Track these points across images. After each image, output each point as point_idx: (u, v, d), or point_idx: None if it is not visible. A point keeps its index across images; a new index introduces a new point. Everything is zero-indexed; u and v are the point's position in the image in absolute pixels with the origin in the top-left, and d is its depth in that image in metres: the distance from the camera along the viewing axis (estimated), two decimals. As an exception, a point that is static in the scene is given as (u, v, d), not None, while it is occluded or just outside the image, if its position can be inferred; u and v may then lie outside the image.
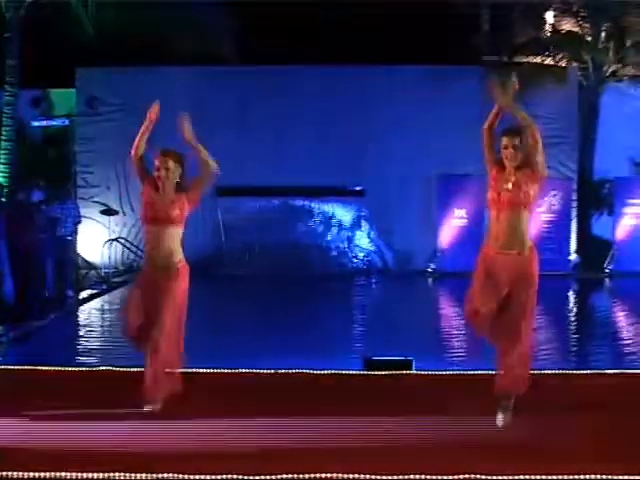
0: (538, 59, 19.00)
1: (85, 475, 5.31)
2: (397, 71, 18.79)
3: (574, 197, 19.30)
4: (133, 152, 6.63)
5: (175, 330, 6.48)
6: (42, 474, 5.33)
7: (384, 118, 18.66)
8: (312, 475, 5.28)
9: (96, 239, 18.80)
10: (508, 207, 6.16)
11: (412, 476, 5.28)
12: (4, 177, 17.92)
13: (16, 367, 8.56)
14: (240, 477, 5.28)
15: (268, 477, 5.27)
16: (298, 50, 18.32)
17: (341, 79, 18.69)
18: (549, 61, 19.02)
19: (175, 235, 6.51)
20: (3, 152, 18.21)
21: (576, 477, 5.27)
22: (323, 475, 5.28)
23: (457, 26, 18.40)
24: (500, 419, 6.15)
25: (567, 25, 19.17)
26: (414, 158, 18.22)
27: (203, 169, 6.57)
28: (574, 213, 19.29)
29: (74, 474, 5.32)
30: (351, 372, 8.30)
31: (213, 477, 5.28)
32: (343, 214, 19.18)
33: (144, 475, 5.30)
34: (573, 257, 19.09)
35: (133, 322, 6.57)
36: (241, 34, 19.47)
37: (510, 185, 6.14)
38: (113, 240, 18.95)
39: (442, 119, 18.37)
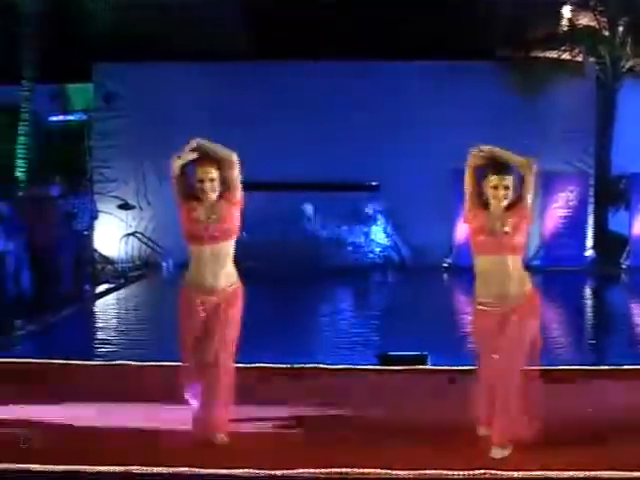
0: (555, 54, 18.91)
1: (101, 469, 5.34)
2: (413, 66, 18.74)
3: (591, 192, 19.23)
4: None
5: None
6: (58, 467, 5.37)
7: (400, 113, 18.61)
8: (327, 470, 5.30)
9: (113, 234, 18.87)
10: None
11: (427, 471, 5.29)
12: (21, 172, 18.00)
13: (33, 360, 8.58)
14: (256, 472, 5.31)
15: (285, 472, 5.29)
16: (310, 46, 18.28)
17: (357, 75, 18.62)
18: (566, 56, 18.92)
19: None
20: (20, 147, 18.30)
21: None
22: (337, 470, 5.30)
23: (472, 21, 18.32)
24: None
25: (584, 19, 19.06)
26: (430, 152, 18.15)
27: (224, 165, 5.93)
28: (591, 208, 19.23)
29: (88, 467, 5.36)
30: (366, 367, 8.30)
31: (229, 471, 5.31)
32: (359, 209, 19.12)
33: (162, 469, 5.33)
34: (589, 253, 19.02)
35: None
36: (254, 30, 19.45)
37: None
38: (130, 235, 19.03)
39: (459, 113, 18.31)
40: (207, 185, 5.83)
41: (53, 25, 17.88)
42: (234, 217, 5.91)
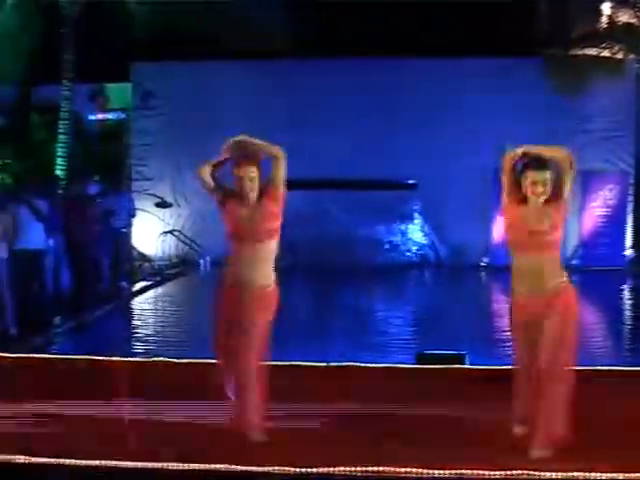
0: (595, 52, 18.73)
1: (138, 464, 5.38)
2: (453, 64, 18.65)
3: (630, 191, 19.04)
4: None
5: None
6: (91, 462, 5.41)
7: (438, 111, 18.53)
8: (363, 468, 5.28)
9: (150, 231, 18.97)
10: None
11: (464, 470, 5.26)
12: (61, 170, 18.15)
13: (71, 357, 8.61)
14: (293, 470, 5.30)
15: (321, 470, 5.28)
16: (355, 43, 18.23)
17: (396, 72, 18.58)
18: (606, 53, 18.74)
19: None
20: (60, 145, 18.45)
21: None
22: (373, 468, 5.28)
23: (515, 18, 18.15)
24: None
25: (624, 17, 18.86)
26: (469, 151, 18.07)
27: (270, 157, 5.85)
28: (630, 207, 19.03)
29: (125, 463, 5.40)
30: (402, 366, 8.25)
31: (266, 469, 5.30)
32: (396, 207, 19.07)
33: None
34: (629, 252, 18.83)
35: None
36: (296, 27, 19.41)
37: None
38: (167, 232, 19.13)
39: (498, 112, 18.22)
40: (247, 184, 5.74)
41: (92, 25, 18.02)
42: (276, 216, 5.81)
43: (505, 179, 5.75)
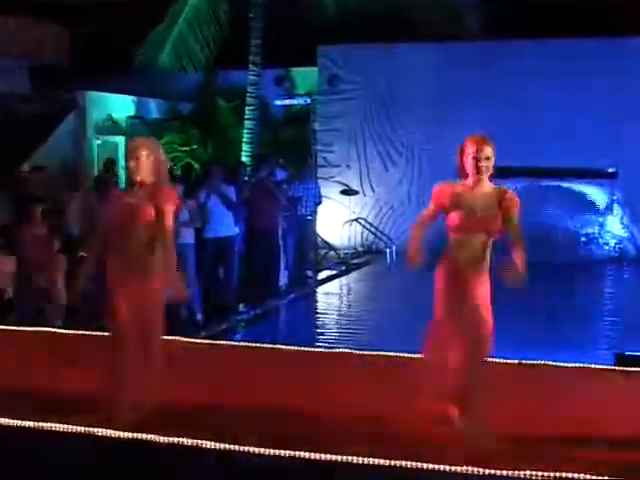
0: None
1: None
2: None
3: None
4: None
5: None
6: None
7: (632, 95, 17.49)
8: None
9: (335, 219, 18.83)
10: None
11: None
12: (247, 156, 18.34)
13: (254, 345, 8.53)
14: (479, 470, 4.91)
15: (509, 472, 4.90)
16: (544, 24, 17.57)
17: (594, 55, 17.69)
18: None
19: None
20: (246, 131, 18.66)
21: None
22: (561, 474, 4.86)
23: None
24: None
25: None
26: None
27: None
28: None
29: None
30: (601, 367, 7.77)
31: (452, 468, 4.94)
32: (594, 198, 18.20)
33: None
34: None
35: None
36: (479, 9, 18.91)
37: None
38: (353, 221, 18.96)
39: None
40: (483, 164, 5.50)
41: (278, 10, 18.12)
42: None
43: None
